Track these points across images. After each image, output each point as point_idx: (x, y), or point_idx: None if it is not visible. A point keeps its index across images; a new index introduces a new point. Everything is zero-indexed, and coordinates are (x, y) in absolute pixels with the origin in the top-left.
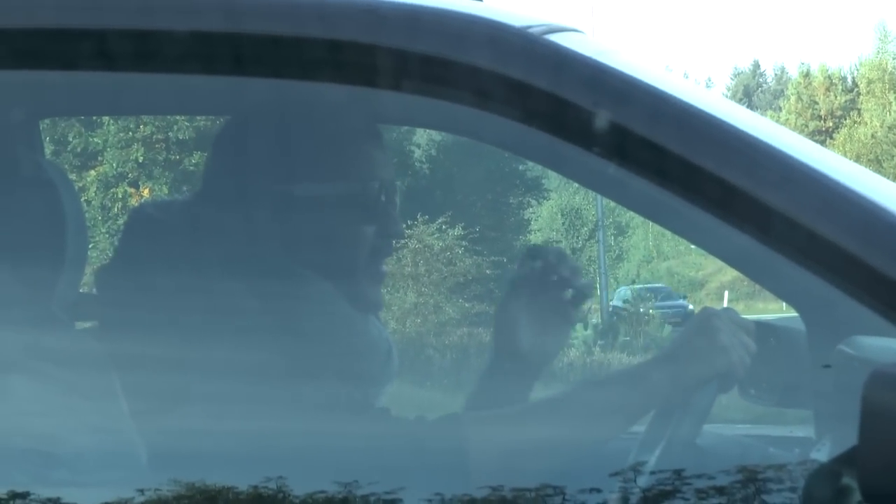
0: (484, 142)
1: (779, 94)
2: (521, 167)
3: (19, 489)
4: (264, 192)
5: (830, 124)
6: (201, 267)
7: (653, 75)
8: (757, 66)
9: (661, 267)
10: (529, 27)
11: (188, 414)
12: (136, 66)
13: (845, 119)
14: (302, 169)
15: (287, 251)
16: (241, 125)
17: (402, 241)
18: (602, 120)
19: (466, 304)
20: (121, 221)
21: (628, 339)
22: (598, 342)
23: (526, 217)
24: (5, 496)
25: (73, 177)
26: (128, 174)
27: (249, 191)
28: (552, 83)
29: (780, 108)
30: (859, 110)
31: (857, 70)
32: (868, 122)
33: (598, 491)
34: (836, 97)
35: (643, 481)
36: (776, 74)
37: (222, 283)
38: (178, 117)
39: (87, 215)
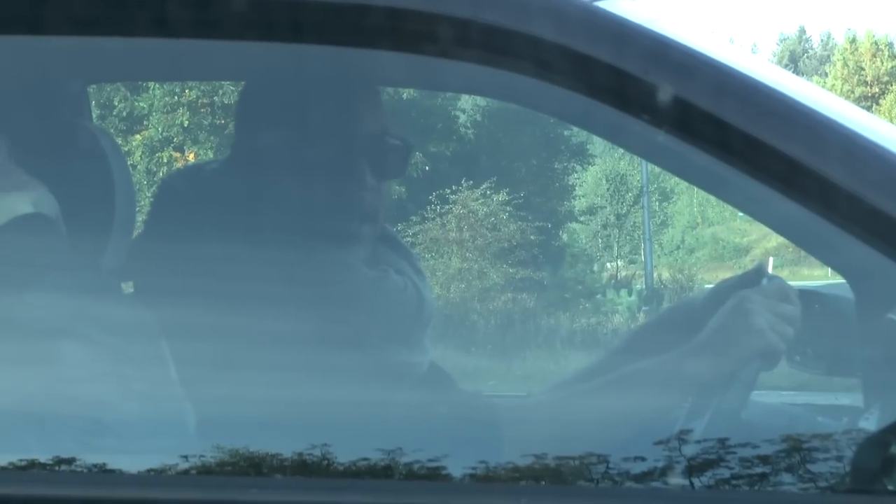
0: (544, 112)
1: (825, 60)
2: (566, 132)
3: (66, 455)
4: (268, 161)
5: (877, 90)
6: (223, 238)
7: (698, 41)
8: (803, 31)
9: (706, 233)
10: None
11: (227, 382)
12: (184, 33)
13: (891, 85)
14: (305, 130)
15: (293, 218)
16: (253, 91)
17: (446, 206)
18: (649, 86)
19: (511, 270)
20: None
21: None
22: (643, 308)
23: (570, 182)
24: (51, 462)
25: (119, 141)
26: (173, 138)
27: (256, 160)
28: (605, 50)
29: (826, 74)
30: None
31: None
32: None
33: (643, 459)
34: (882, 63)
35: (688, 450)
36: (822, 40)
37: (241, 255)
38: (224, 82)
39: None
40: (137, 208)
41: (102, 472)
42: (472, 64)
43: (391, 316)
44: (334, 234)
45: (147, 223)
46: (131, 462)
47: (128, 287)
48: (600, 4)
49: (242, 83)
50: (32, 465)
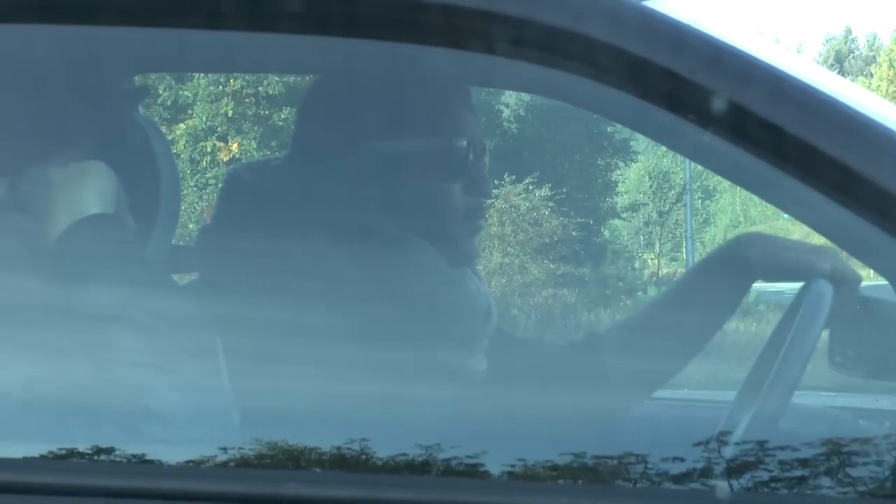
0: (595, 113)
1: (870, 60)
2: (609, 129)
3: (107, 444)
4: (353, 153)
5: None
6: (296, 230)
7: (745, 41)
8: (849, 32)
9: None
10: None
11: (277, 375)
12: (229, 25)
13: None
14: (390, 128)
15: (380, 212)
16: (334, 85)
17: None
18: (696, 86)
19: (552, 266)
20: (209, 175)
21: None
22: None
23: (613, 179)
24: (90, 451)
25: (163, 130)
26: (217, 128)
27: (339, 152)
28: (646, 49)
29: (872, 75)
30: None
31: None
32: None
33: (682, 460)
34: None
35: (728, 451)
36: (868, 41)
37: (317, 246)
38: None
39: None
40: (182, 198)
41: (142, 463)
42: (526, 63)
43: (461, 318)
44: (414, 230)
45: (215, 214)
46: (171, 453)
47: (180, 278)
48: (650, 4)
49: (293, 76)
50: (72, 453)
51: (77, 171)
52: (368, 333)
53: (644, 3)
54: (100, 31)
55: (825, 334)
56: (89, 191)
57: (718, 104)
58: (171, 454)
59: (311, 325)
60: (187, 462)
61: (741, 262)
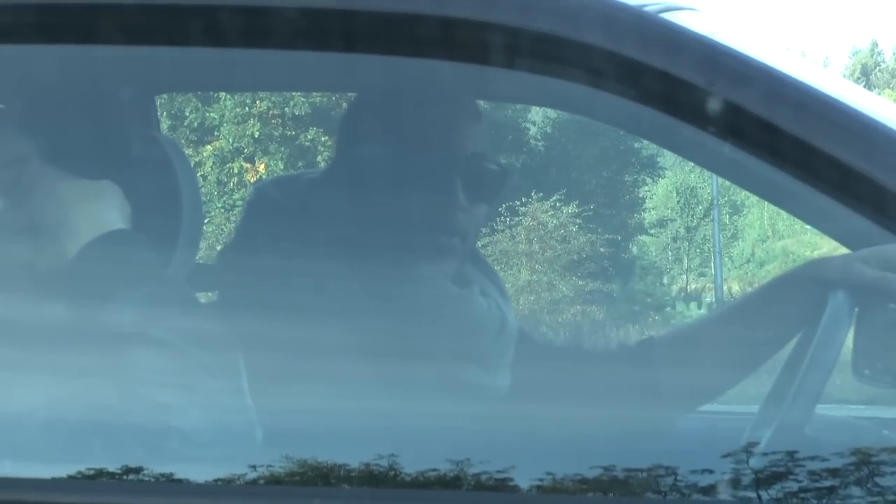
0: (598, 121)
1: None
2: (636, 145)
3: (135, 462)
4: (365, 174)
5: None
6: (313, 248)
7: (768, 54)
8: (875, 45)
9: (777, 246)
10: (645, 6)
11: (302, 392)
12: (251, 43)
13: None
14: (411, 147)
15: (388, 232)
16: (356, 104)
17: (515, 218)
18: (717, 99)
19: (580, 282)
20: (237, 196)
21: None
22: None
23: (641, 195)
24: (119, 471)
25: (189, 151)
26: (244, 149)
27: (353, 173)
28: (666, 62)
29: None
30: None
31: None
32: None
33: (711, 472)
34: None
35: (756, 462)
36: (895, 53)
37: (331, 265)
38: (294, 93)
39: (203, 190)
40: (208, 219)
41: (170, 482)
42: (526, 73)
43: (472, 335)
44: (422, 248)
45: (238, 231)
46: (198, 471)
47: (204, 297)
48: (668, 16)
49: (318, 95)
50: (101, 473)
51: (95, 188)
52: (382, 351)
53: (670, 19)
54: (115, 51)
55: (850, 346)
56: (107, 208)
57: (715, 104)
58: (198, 473)
59: (324, 343)
60: (215, 480)
61: (816, 280)
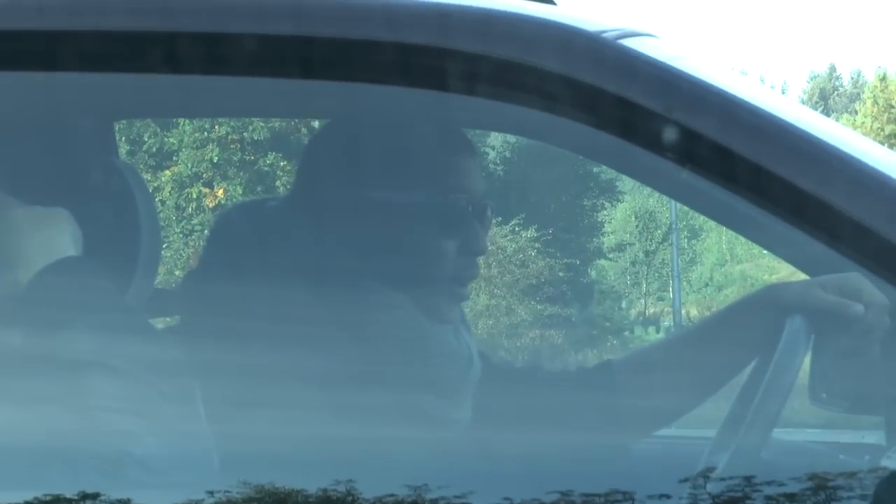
0: (557, 146)
1: (855, 97)
2: (595, 169)
3: (92, 489)
4: (344, 201)
5: None
6: (281, 274)
7: (725, 80)
8: (833, 69)
9: (735, 270)
10: (602, 32)
11: (260, 418)
12: (210, 70)
13: None
14: (384, 177)
15: (363, 260)
16: (326, 131)
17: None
18: (673, 125)
19: (539, 307)
20: (195, 221)
21: None
22: None
23: (599, 219)
24: (76, 497)
25: (148, 176)
26: (202, 174)
27: (329, 199)
28: (623, 87)
29: (856, 112)
30: None
31: None
32: None
33: (668, 497)
34: None
35: (713, 487)
36: (852, 78)
37: (297, 291)
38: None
39: (161, 215)
40: (166, 244)
41: None
42: (484, 99)
43: (441, 370)
44: (403, 282)
45: (203, 257)
46: (156, 498)
47: (162, 322)
48: (626, 42)
49: (276, 120)
50: (58, 500)
51: (48, 215)
52: (345, 380)
53: (628, 45)
54: (73, 77)
55: (807, 370)
56: (60, 234)
57: (671, 130)
58: (156, 499)
59: (291, 371)
60: None
61: (774, 305)
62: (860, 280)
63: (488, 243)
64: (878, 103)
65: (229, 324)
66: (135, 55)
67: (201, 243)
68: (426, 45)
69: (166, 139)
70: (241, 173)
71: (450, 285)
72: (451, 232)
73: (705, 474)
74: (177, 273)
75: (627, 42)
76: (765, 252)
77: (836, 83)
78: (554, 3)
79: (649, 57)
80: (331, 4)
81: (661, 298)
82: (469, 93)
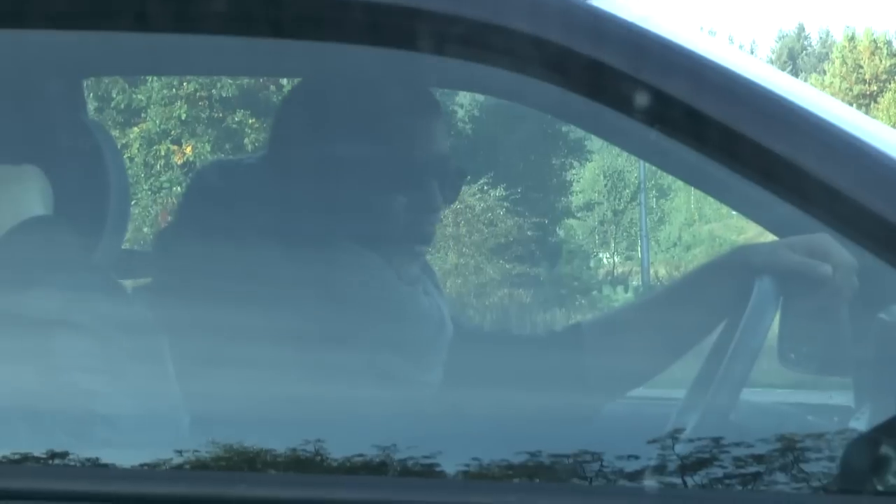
0: (527, 106)
1: (823, 57)
2: (563, 128)
3: (59, 449)
4: (312, 161)
5: (875, 88)
6: (253, 235)
7: (694, 40)
8: (802, 29)
9: (703, 230)
10: None
11: (230, 378)
12: (177, 27)
13: (890, 83)
14: (349, 136)
15: (333, 220)
16: (295, 91)
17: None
18: (642, 85)
19: (507, 266)
20: (164, 178)
21: None
22: None
23: (568, 178)
24: (45, 455)
25: (116, 133)
26: (171, 131)
27: (299, 159)
28: (592, 48)
29: (825, 72)
30: None
31: None
32: None
33: (636, 458)
34: (881, 61)
35: (681, 448)
36: (821, 38)
37: (269, 250)
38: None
39: (129, 172)
40: (134, 201)
41: (96, 466)
42: (454, 59)
43: (411, 332)
44: (372, 241)
45: (179, 215)
46: (125, 456)
47: (133, 282)
48: (595, 2)
49: (245, 78)
50: (26, 458)
51: (16, 173)
52: (318, 339)
53: (596, 5)
54: (37, 35)
55: (776, 331)
56: (29, 192)
57: (641, 90)
58: (124, 458)
59: (261, 330)
60: (142, 465)
61: (743, 266)
62: (828, 241)
63: (455, 201)
64: (846, 64)
65: (201, 282)
66: (103, 12)
67: (170, 200)
68: (396, 4)
69: (134, 96)
70: (210, 130)
71: (409, 244)
72: (408, 190)
73: (674, 435)
74: (145, 230)
75: (595, 2)
76: (733, 212)
77: (805, 43)
78: None
79: (617, 17)
80: None
81: (629, 258)
82: (438, 52)
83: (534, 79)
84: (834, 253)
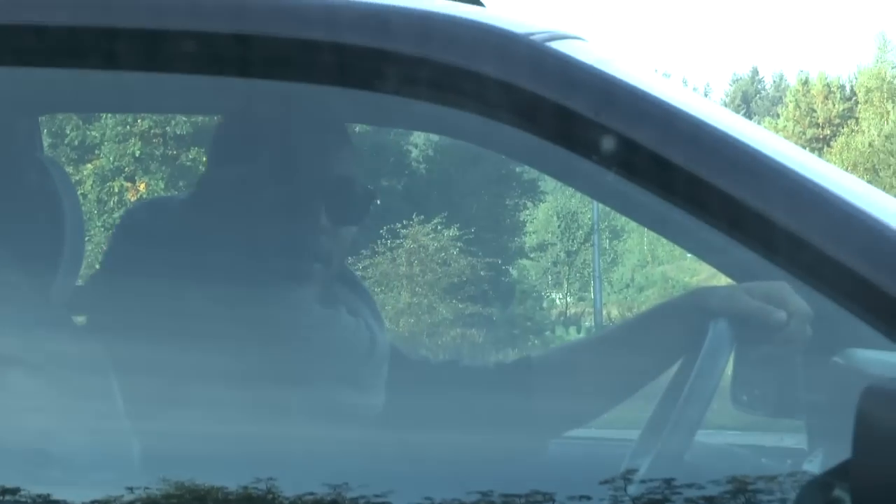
0: (479, 145)
1: (777, 101)
2: (517, 169)
3: (10, 485)
4: (230, 196)
5: (828, 132)
6: (180, 272)
7: (654, 84)
8: (756, 72)
9: (657, 271)
10: (532, 34)
11: (178, 416)
12: (134, 65)
13: (843, 127)
14: (257, 168)
15: (250, 253)
16: (223, 126)
17: (396, 241)
18: (600, 128)
19: (460, 305)
20: (117, 215)
21: None
22: None
23: (522, 219)
24: None
25: (70, 170)
26: (124, 168)
27: (219, 195)
28: (549, 90)
29: (779, 115)
30: (857, 119)
31: (856, 79)
32: (866, 130)
33: (588, 499)
34: (834, 105)
35: (633, 490)
36: (775, 81)
37: (196, 289)
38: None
39: (83, 208)
40: (87, 237)
41: (48, 503)
42: (417, 101)
43: (340, 355)
44: (286, 272)
45: (108, 255)
46: (76, 493)
47: (79, 320)
48: (550, 44)
49: (200, 116)
50: None
51: None
52: (252, 374)
53: (547, 44)
54: None
55: (729, 373)
56: None
57: (612, 140)
58: (76, 494)
59: (197, 367)
60: (92, 502)
61: (699, 308)
62: (785, 289)
63: (362, 220)
64: (800, 107)
65: (139, 321)
66: (61, 50)
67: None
68: (364, 46)
69: (88, 132)
70: (164, 167)
71: (307, 261)
72: (294, 212)
73: (626, 476)
74: (97, 267)
75: (556, 45)
76: (687, 254)
77: (759, 86)
78: (482, 5)
79: (577, 60)
80: (270, 4)
81: (582, 299)
82: (404, 95)
83: (488, 119)
84: (791, 301)
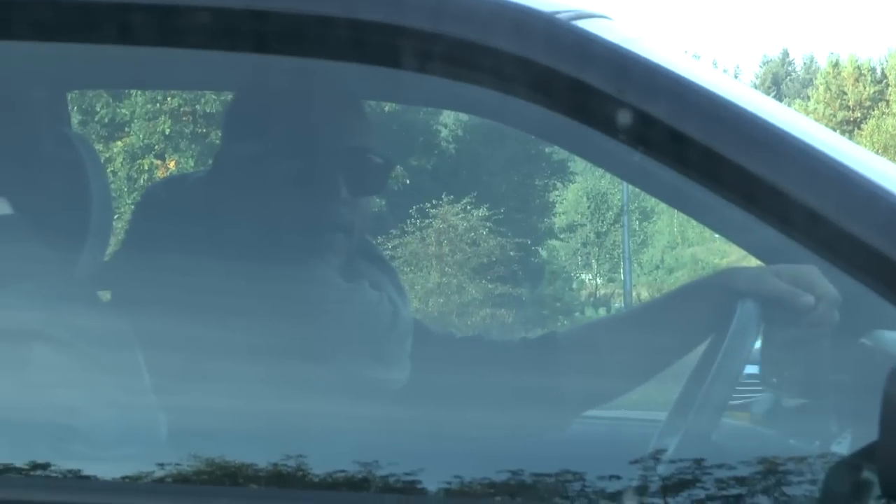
0: (510, 125)
1: (807, 83)
2: (547, 150)
3: (41, 460)
4: (247, 171)
5: (858, 115)
6: (201, 248)
7: (678, 63)
8: (786, 54)
9: (686, 253)
10: (557, 13)
11: (202, 391)
12: (162, 41)
13: (873, 110)
14: (289, 142)
15: (262, 229)
16: (237, 102)
17: (426, 221)
18: (626, 108)
19: (490, 285)
20: None
21: None
22: None
23: (551, 199)
24: (26, 466)
25: (99, 147)
26: (154, 146)
27: (227, 171)
28: (577, 69)
29: (809, 98)
30: (888, 101)
31: (887, 61)
32: None
33: (618, 478)
34: (864, 88)
35: (663, 469)
36: (805, 64)
37: (219, 264)
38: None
39: (112, 186)
40: (117, 215)
41: (77, 478)
42: (438, 77)
43: (363, 329)
44: (308, 245)
45: (129, 232)
46: (106, 469)
47: (105, 295)
48: (580, 24)
49: (229, 93)
50: (7, 469)
51: None
52: (276, 349)
53: (581, 27)
54: (21, 46)
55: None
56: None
57: (624, 112)
58: (105, 470)
59: (221, 343)
60: (123, 478)
61: (727, 288)
62: (815, 273)
63: (380, 189)
64: (830, 90)
65: (160, 297)
66: (89, 25)
67: (130, 217)
68: (379, 22)
69: (118, 110)
70: (193, 146)
71: (329, 233)
72: (313, 184)
73: (656, 456)
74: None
75: (581, 24)
76: (716, 235)
77: (789, 68)
78: None
79: (603, 39)
80: None
81: (611, 280)
82: (421, 71)
83: (517, 98)
84: (819, 285)
